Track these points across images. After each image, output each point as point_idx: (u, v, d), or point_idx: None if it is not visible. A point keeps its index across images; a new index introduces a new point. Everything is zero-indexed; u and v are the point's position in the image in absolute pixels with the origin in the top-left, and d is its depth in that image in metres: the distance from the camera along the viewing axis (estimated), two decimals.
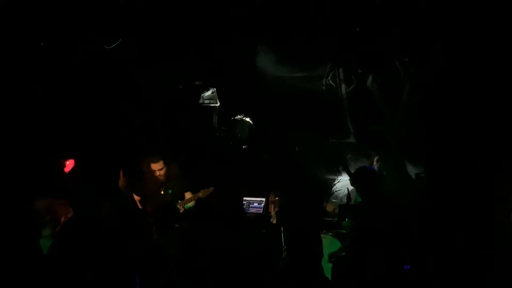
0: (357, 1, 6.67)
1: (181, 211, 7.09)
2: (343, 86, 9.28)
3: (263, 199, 8.62)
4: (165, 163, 7.27)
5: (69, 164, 7.80)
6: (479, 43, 5.86)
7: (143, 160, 7.36)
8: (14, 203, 5.02)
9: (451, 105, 6.01)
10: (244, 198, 7.99)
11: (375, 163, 8.54)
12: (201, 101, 9.68)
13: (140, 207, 7.22)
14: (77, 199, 6.13)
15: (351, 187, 8.84)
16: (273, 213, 7.21)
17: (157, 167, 7.23)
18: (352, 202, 7.67)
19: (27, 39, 6.99)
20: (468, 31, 5.66)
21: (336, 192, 9.15)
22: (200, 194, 7.27)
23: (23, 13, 6.69)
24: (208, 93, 9.67)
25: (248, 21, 7.47)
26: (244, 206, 7.84)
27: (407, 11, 6.21)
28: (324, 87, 9.39)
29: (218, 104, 9.71)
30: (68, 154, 7.82)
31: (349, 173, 7.29)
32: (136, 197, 7.34)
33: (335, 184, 9.12)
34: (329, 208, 8.36)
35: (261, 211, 8.54)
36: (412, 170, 8.63)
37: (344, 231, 7.15)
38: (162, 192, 7.35)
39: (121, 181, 6.76)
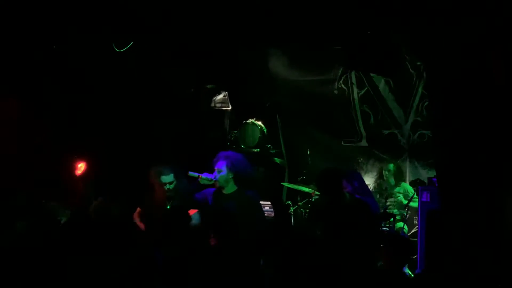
0: (369, 4, 6.64)
1: None
2: (355, 90, 9.28)
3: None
4: (175, 176, 6.86)
5: (81, 167, 7.83)
6: (492, 47, 5.81)
7: (152, 171, 6.91)
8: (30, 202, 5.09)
9: (463, 109, 5.96)
10: None
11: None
12: (212, 104, 9.70)
13: (139, 220, 6.93)
14: (86, 202, 6.18)
15: None
16: None
17: (168, 180, 6.84)
18: None
19: (39, 40, 7.02)
20: (479, 35, 5.62)
21: None
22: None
23: (35, 14, 6.71)
24: (220, 96, 9.70)
25: (260, 25, 7.47)
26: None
27: (420, 14, 6.18)
28: (336, 91, 9.40)
29: (229, 108, 9.73)
30: (81, 157, 7.86)
31: None
32: (138, 210, 7.00)
33: None
34: None
35: (272, 215, 8.55)
36: (424, 175, 8.60)
37: None
38: (168, 207, 6.87)
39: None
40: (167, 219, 5.56)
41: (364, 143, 9.36)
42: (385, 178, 8.44)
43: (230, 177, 6.48)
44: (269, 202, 8.38)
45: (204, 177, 6.54)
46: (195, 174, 6.60)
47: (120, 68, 8.17)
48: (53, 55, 7.26)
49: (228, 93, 9.70)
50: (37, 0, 6.64)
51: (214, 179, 6.48)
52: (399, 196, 8.31)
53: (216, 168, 6.54)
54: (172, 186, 6.87)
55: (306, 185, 8.57)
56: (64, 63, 7.46)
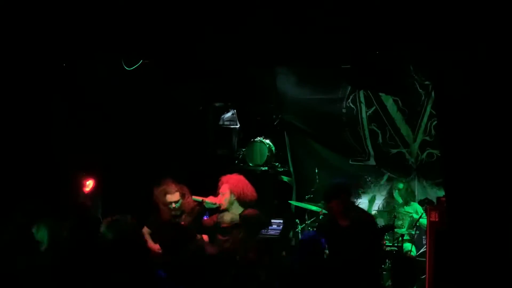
0: (377, 24, 6.67)
1: None
2: (364, 109, 9.28)
3: (282, 221, 8.62)
4: (181, 195, 6.87)
5: (89, 184, 7.83)
6: (500, 65, 5.81)
7: (157, 189, 6.91)
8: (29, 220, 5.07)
9: (472, 128, 5.94)
10: None
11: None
12: (221, 122, 9.72)
13: (149, 241, 6.82)
14: (95, 220, 6.15)
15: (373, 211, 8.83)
16: None
17: (173, 199, 6.85)
18: None
19: (48, 59, 7.06)
20: (486, 54, 5.62)
21: None
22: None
23: (43, 31, 6.75)
24: (228, 114, 9.72)
25: (269, 44, 7.50)
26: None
27: (428, 33, 6.20)
28: (344, 110, 9.40)
29: (238, 126, 9.74)
30: (89, 174, 7.87)
31: None
32: (146, 230, 6.94)
33: None
34: None
35: (279, 233, 8.52)
36: (432, 194, 8.57)
37: None
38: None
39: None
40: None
41: (372, 162, 9.35)
42: (394, 196, 8.41)
43: (234, 199, 6.59)
44: (278, 220, 8.39)
45: (208, 201, 6.61)
46: (199, 199, 6.64)
47: (130, 86, 8.22)
48: (63, 72, 7.30)
49: (236, 111, 9.72)
50: (46, 17, 6.70)
51: (218, 203, 6.59)
52: (411, 214, 8.28)
53: (220, 192, 6.66)
54: (178, 204, 6.86)
55: (314, 203, 8.55)
56: (74, 80, 7.50)
